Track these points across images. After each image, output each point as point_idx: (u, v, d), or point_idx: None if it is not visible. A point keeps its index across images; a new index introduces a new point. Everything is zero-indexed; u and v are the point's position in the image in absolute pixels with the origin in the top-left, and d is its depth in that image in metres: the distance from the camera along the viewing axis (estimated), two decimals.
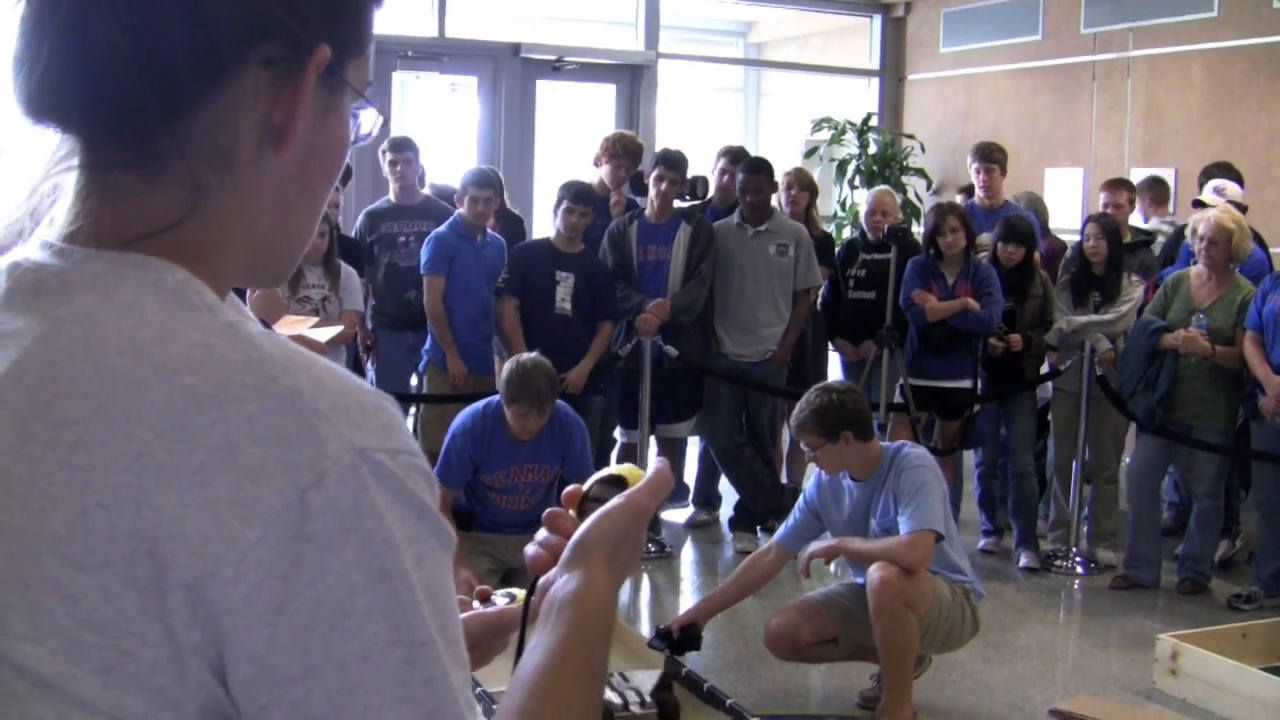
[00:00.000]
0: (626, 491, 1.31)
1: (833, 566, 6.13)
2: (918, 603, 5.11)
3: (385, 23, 10.25)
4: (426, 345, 7.78)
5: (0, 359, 0.94)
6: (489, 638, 1.45)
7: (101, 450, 0.88)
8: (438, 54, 11.73)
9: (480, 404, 6.23)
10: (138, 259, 0.96)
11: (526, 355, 6.19)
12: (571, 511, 1.36)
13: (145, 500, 0.87)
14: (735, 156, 8.68)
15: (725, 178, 8.64)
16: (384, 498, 0.90)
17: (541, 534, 1.34)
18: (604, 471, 1.40)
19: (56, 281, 0.96)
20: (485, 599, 1.52)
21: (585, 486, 1.38)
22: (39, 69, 0.96)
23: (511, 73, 12.06)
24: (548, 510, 1.37)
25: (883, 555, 5.12)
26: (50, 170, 1.00)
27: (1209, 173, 8.63)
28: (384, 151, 8.29)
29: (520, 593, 1.51)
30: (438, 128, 12.19)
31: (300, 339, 4.51)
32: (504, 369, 6.20)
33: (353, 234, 8.35)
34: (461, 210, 7.74)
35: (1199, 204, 7.99)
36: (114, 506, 0.87)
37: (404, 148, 8.26)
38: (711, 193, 8.65)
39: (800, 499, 5.72)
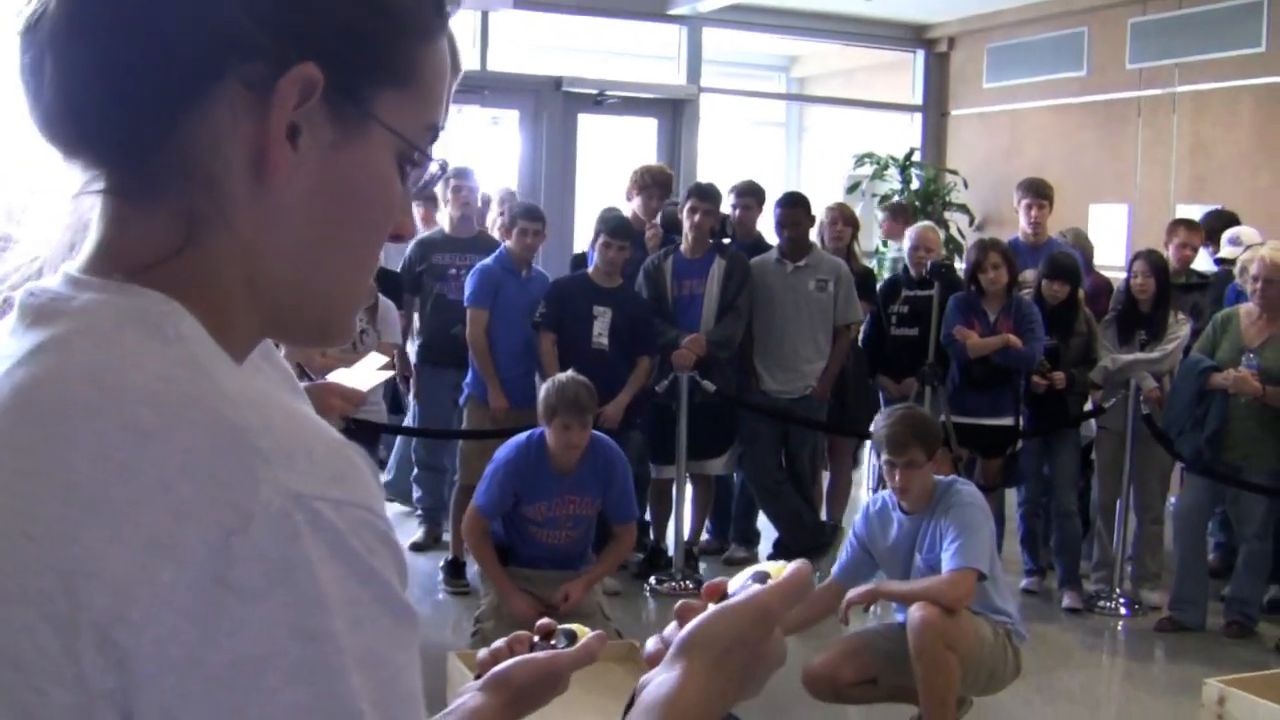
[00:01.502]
0: (754, 589, 1.20)
1: (875, 608, 6.05)
2: (959, 643, 5.03)
3: None
4: (468, 379, 7.73)
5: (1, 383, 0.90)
6: (539, 685, 1.40)
7: (40, 479, 0.83)
8: (479, 87, 11.77)
9: (524, 435, 6.17)
10: (128, 288, 0.92)
11: (561, 374, 6.15)
12: (710, 605, 1.21)
13: (70, 533, 0.81)
14: (747, 191, 8.63)
15: (738, 212, 8.57)
16: (318, 551, 0.82)
17: (669, 628, 1.22)
18: (754, 568, 1.28)
19: (50, 308, 0.92)
20: (549, 634, 1.47)
21: (730, 582, 1.26)
22: (43, 93, 0.94)
23: (553, 106, 12.10)
24: (680, 602, 1.24)
25: (923, 595, 5.03)
26: (74, 196, 0.97)
27: (1212, 226, 8.53)
28: (445, 180, 8.24)
29: (580, 629, 1.47)
30: (479, 161, 12.21)
31: (336, 390, 4.47)
32: (540, 391, 6.15)
33: (402, 263, 8.29)
34: (508, 243, 7.71)
35: (1221, 262, 7.91)
36: (40, 537, 0.81)
37: (465, 176, 8.21)
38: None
39: (850, 535, 5.64)
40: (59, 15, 0.93)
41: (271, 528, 0.81)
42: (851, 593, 5.26)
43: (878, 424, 5.39)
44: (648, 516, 8.08)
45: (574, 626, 1.50)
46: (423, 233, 8.51)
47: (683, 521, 7.93)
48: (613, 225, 7.71)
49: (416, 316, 8.22)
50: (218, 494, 0.81)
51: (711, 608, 1.18)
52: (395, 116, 0.99)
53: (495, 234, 8.54)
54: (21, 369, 0.89)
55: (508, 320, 7.54)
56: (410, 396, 8.37)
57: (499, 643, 1.50)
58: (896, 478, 5.23)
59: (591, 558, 6.23)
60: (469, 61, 11.56)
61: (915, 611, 5.00)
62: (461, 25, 11.67)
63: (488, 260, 7.69)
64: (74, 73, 0.92)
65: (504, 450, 6.15)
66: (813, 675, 5.32)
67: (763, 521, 8.49)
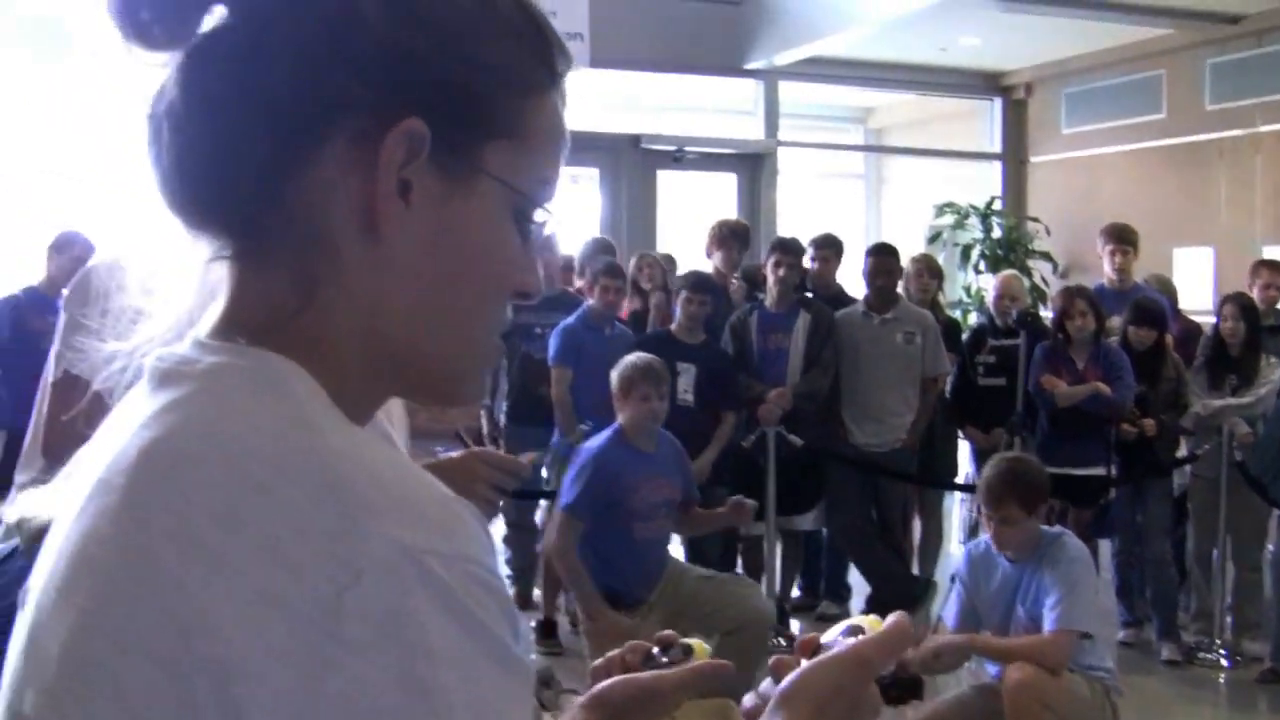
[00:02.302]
0: (851, 640, 1.19)
1: (969, 664, 5.98)
2: (1057, 703, 4.94)
3: None
4: (554, 439, 7.75)
5: (131, 446, 0.92)
6: (640, 707, 1.35)
7: (160, 534, 0.85)
8: None
9: (601, 434, 6.21)
10: (248, 350, 0.94)
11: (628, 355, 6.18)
12: (804, 660, 1.20)
13: (186, 587, 0.82)
14: (826, 243, 8.63)
15: (818, 265, 8.54)
16: (427, 605, 0.82)
17: (764, 684, 1.21)
18: (847, 622, 1.27)
19: (175, 372, 0.95)
20: (668, 646, 1.42)
21: (823, 636, 1.26)
22: (163, 164, 0.97)
23: (632, 163, 12.16)
24: (775, 657, 1.23)
25: (1022, 654, 4.96)
26: (205, 263, 1.00)
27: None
28: None
29: (699, 644, 1.42)
30: (561, 220, 12.23)
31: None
32: (613, 378, 6.19)
33: None
34: (591, 301, 7.75)
35: None
36: (159, 591, 0.83)
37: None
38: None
39: (954, 581, 5.55)
40: (174, 86, 0.96)
41: (382, 582, 0.82)
42: (943, 640, 5.20)
43: (984, 471, 5.32)
44: (738, 572, 8.05)
45: (694, 641, 1.43)
46: None
47: (773, 578, 7.89)
48: (693, 280, 7.73)
49: (504, 376, 8.26)
50: (328, 548, 0.82)
51: (806, 662, 1.18)
52: (507, 170, 1.00)
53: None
54: (146, 430, 0.91)
55: (592, 377, 7.50)
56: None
57: (616, 651, 1.44)
58: (992, 530, 5.18)
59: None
60: None
61: (1013, 672, 4.92)
62: None
63: (570, 319, 7.73)
64: (189, 141, 0.95)
65: (585, 451, 6.18)
66: None
67: (854, 576, 8.42)
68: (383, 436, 1.17)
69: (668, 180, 12.60)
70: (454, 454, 2.05)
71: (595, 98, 13.10)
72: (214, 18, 0.96)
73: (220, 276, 0.99)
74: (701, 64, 12.49)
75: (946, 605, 5.54)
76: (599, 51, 10.71)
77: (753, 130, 12.97)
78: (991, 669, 5.23)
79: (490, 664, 0.85)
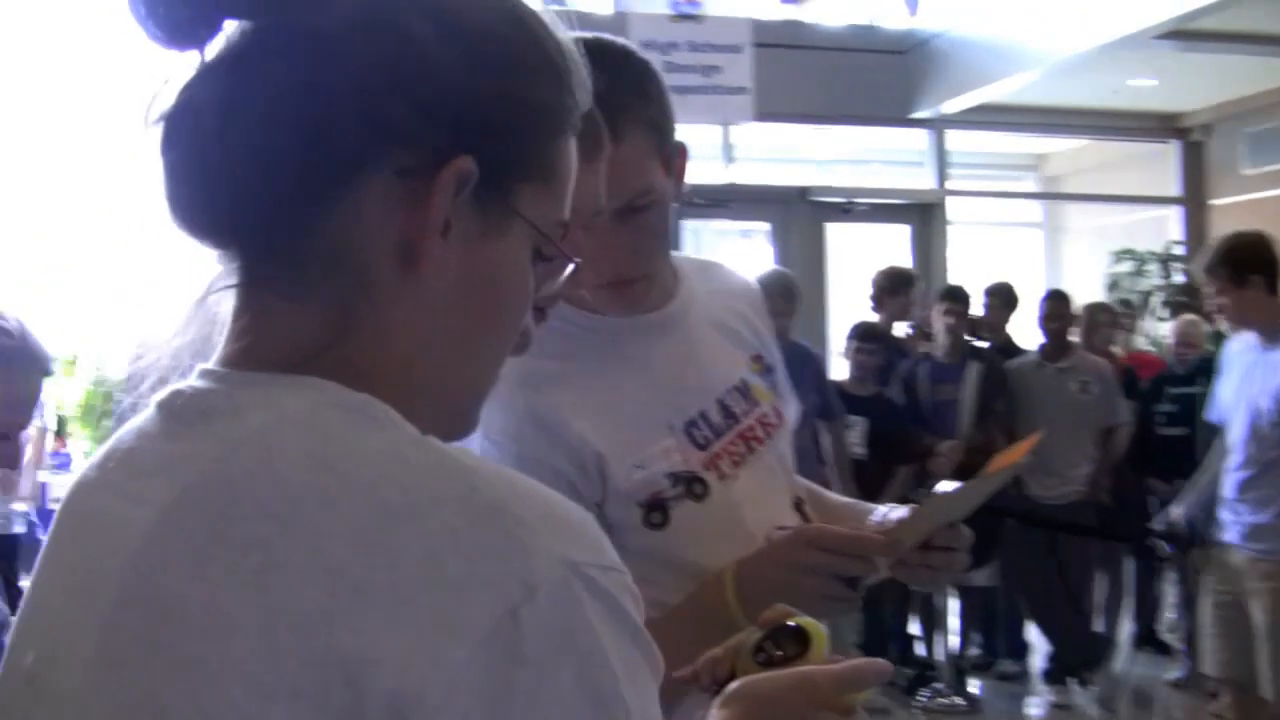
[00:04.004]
0: (811, 669, 1.24)
1: None
2: None
3: None
4: None
5: (171, 485, 0.88)
6: (789, 698, 1.27)
7: (291, 570, 0.81)
8: (725, 200, 11.83)
9: None
10: (300, 380, 0.91)
11: None
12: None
13: (341, 621, 0.79)
14: (997, 292, 8.51)
15: (989, 314, 8.43)
16: (599, 616, 0.84)
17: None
18: (784, 617, 1.30)
19: (226, 404, 0.91)
20: (776, 628, 1.36)
21: (756, 634, 1.31)
22: (191, 180, 0.93)
23: (801, 216, 12.06)
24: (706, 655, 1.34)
25: None
26: (210, 291, 0.97)
27: None
28: None
29: (813, 626, 1.32)
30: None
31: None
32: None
33: None
34: None
35: None
36: (307, 629, 0.79)
37: None
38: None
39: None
40: (206, 88, 0.92)
41: (556, 597, 0.82)
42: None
43: None
44: (913, 629, 7.90)
45: (806, 622, 1.33)
46: None
47: (949, 634, 7.70)
48: (861, 330, 7.65)
49: None
50: (495, 568, 0.81)
51: (766, 675, 1.24)
52: (534, 211, 1.00)
53: None
54: (221, 465, 0.87)
55: None
56: None
57: (715, 651, 1.40)
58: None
59: None
60: (714, 175, 11.66)
61: None
62: (704, 139, 11.78)
63: None
64: (220, 152, 0.91)
65: None
66: None
67: (1033, 633, 8.19)
68: None
69: (837, 232, 12.49)
70: (779, 532, 1.92)
71: (762, 151, 13.09)
72: (247, 22, 0.92)
73: (224, 303, 0.96)
74: (868, 115, 12.39)
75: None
76: (764, 105, 10.72)
77: (922, 180, 12.82)
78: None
79: (648, 668, 0.87)
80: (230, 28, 0.93)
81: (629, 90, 1.86)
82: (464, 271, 0.95)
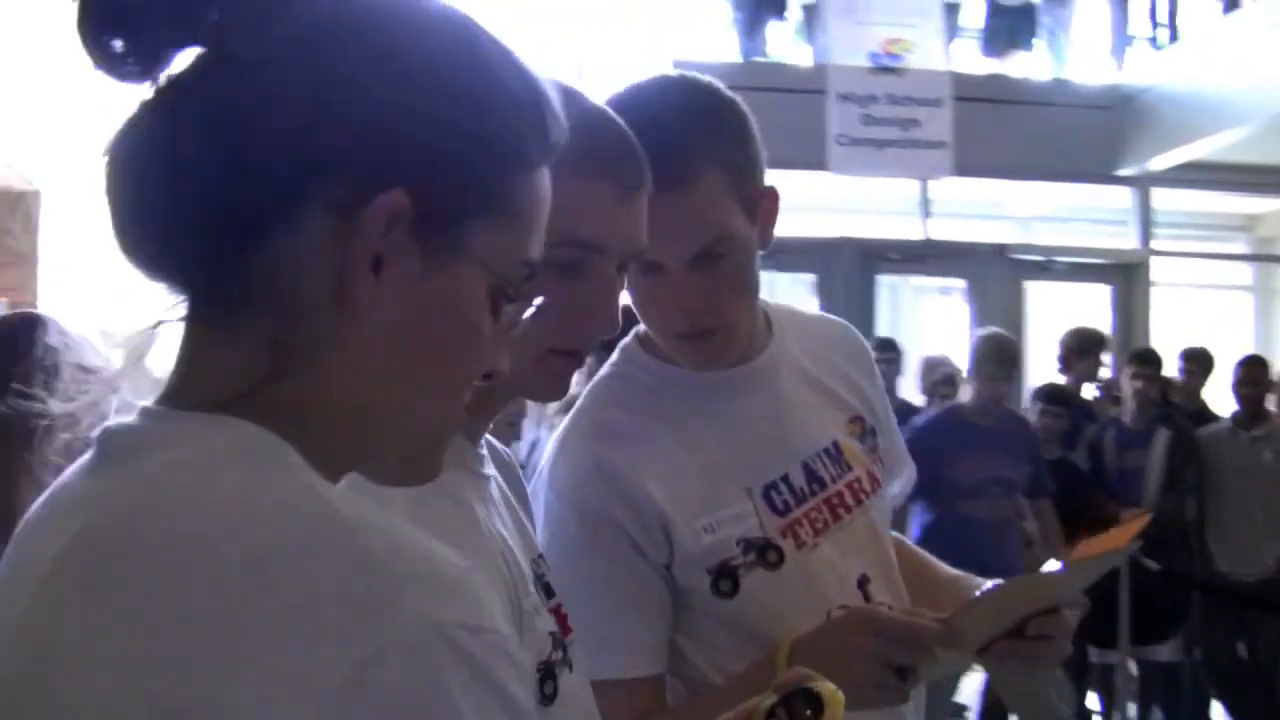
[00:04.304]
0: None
1: None
2: None
3: (869, 226, 10.25)
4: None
5: (78, 523, 0.87)
6: None
7: (152, 614, 0.79)
8: (923, 256, 11.71)
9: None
10: (220, 420, 0.88)
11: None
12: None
13: (192, 669, 0.76)
14: (1194, 357, 8.27)
15: (1184, 378, 8.20)
16: (459, 680, 0.79)
17: None
18: (802, 680, 1.23)
19: (135, 442, 0.89)
20: (791, 692, 1.28)
21: (770, 699, 1.23)
22: (127, 212, 0.92)
23: (999, 274, 11.85)
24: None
25: None
26: (152, 326, 0.95)
27: None
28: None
29: (831, 691, 1.25)
30: (927, 331, 12.14)
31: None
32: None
33: None
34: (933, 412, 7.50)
35: None
36: (158, 675, 0.77)
37: (886, 349, 8.19)
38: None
39: None
40: (141, 125, 0.90)
41: (411, 657, 0.78)
42: None
43: None
44: (1092, 704, 7.66)
45: (824, 688, 1.26)
46: None
47: (1127, 712, 7.44)
48: (1045, 392, 7.47)
49: None
50: (352, 623, 0.78)
51: None
52: (488, 248, 0.96)
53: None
54: (112, 505, 0.86)
55: None
56: None
57: (728, 716, 1.31)
58: None
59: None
60: (912, 231, 11.53)
61: None
62: (901, 193, 11.67)
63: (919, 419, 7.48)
64: (155, 189, 0.89)
65: (918, 419, 6.16)
66: None
67: (1219, 712, 7.85)
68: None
69: (1036, 291, 12.25)
70: (839, 611, 1.82)
71: (960, 206, 12.92)
72: (191, 55, 0.90)
73: (172, 338, 0.94)
74: (1070, 171, 12.15)
75: None
76: (964, 160, 10.59)
77: (1125, 239, 12.52)
78: None
79: None
80: (184, 58, 0.92)
81: (704, 129, 1.79)
82: (404, 311, 0.93)
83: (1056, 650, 1.83)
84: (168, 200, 0.89)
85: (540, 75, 1.01)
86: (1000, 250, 11.95)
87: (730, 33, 12.00)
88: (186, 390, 0.93)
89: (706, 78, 1.86)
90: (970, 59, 12.09)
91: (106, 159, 0.92)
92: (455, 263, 0.94)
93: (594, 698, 1.87)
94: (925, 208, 11.82)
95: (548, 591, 1.54)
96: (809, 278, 11.47)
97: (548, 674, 1.42)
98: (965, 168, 10.77)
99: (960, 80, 10.96)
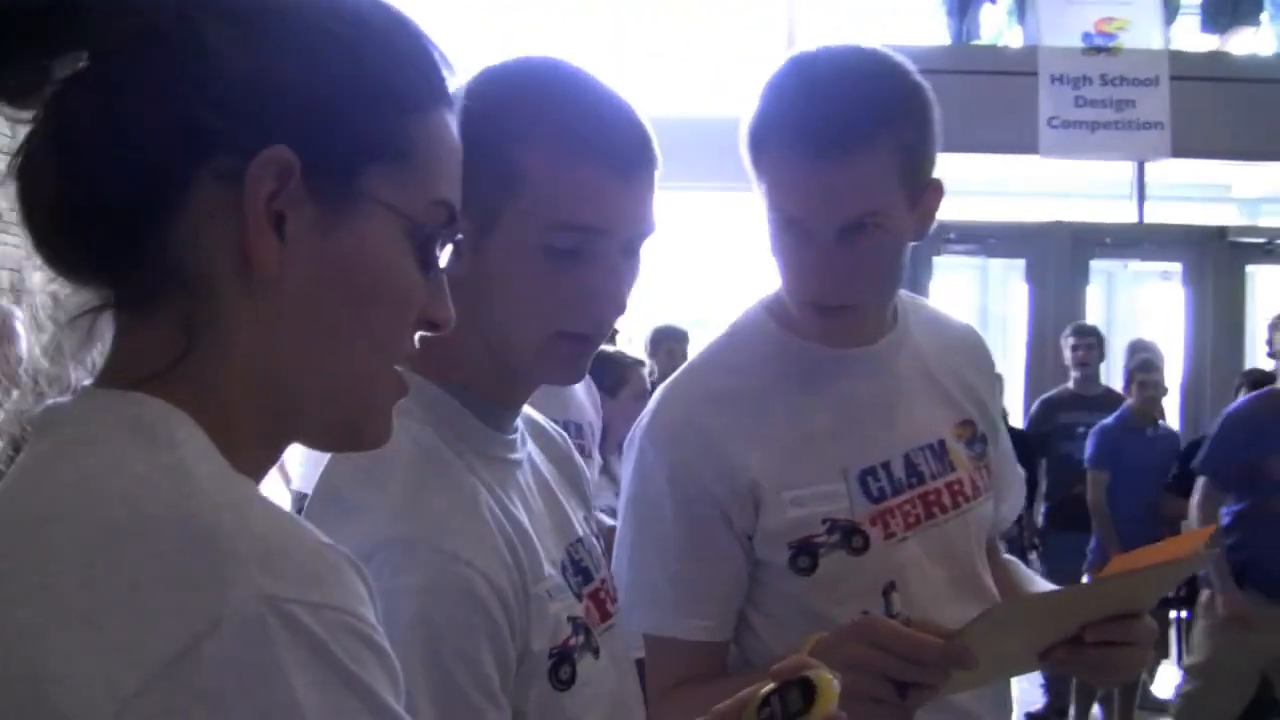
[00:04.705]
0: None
1: None
2: None
3: (1082, 210, 9.89)
4: (1092, 545, 7.36)
5: None
6: None
7: (17, 583, 0.83)
8: (1138, 240, 11.40)
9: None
10: (131, 396, 0.91)
11: None
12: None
13: (41, 638, 0.80)
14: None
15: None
16: (294, 656, 0.79)
17: None
18: (800, 668, 1.24)
19: (55, 418, 0.93)
20: (787, 681, 1.26)
21: (768, 686, 1.24)
22: (33, 221, 0.95)
23: (1219, 258, 11.46)
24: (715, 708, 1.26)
25: None
26: (75, 316, 0.97)
27: None
28: (1066, 337, 8.12)
29: (825, 679, 1.25)
30: (1143, 317, 11.82)
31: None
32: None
33: (1025, 422, 8.16)
34: (1130, 401, 7.37)
35: None
36: (12, 646, 0.81)
37: (1086, 334, 8.06)
38: None
39: None
40: (41, 135, 0.93)
41: (243, 632, 0.79)
42: None
43: None
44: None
45: (818, 675, 1.24)
46: (1049, 392, 8.34)
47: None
48: (1251, 379, 7.24)
49: (1042, 477, 7.97)
50: (186, 598, 0.79)
51: None
52: (390, 191, 0.96)
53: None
54: (22, 479, 0.90)
55: (1130, 483, 7.12)
56: (1035, 559, 8.10)
57: (722, 706, 1.29)
58: None
59: None
60: (1126, 214, 11.23)
61: None
62: (1115, 176, 11.38)
63: (1108, 419, 7.37)
64: (55, 193, 0.92)
65: (1232, 406, 6.03)
66: None
67: None
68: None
69: (1259, 276, 11.81)
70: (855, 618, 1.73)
71: (1178, 189, 12.54)
72: (73, 63, 0.93)
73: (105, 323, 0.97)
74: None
75: None
76: (1182, 140, 10.27)
77: None
78: None
79: (365, 716, 0.82)
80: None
81: (884, 102, 1.76)
82: (315, 268, 0.94)
83: (1124, 659, 1.70)
84: (68, 199, 0.92)
85: (422, 27, 1.02)
86: (1220, 233, 11.54)
87: (940, 15, 11.84)
88: (112, 370, 0.95)
89: (899, 56, 1.83)
90: (1189, 37, 11.71)
91: (16, 176, 0.95)
92: (356, 211, 0.95)
93: (649, 652, 1.88)
94: (1141, 190, 11.49)
95: (585, 576, 1.53)
96: (1019, 263, 11.25)
97: (563, 659, 1.41)
98: (1184, 149, 10.46)
99: (1178, 58, 10.63)
